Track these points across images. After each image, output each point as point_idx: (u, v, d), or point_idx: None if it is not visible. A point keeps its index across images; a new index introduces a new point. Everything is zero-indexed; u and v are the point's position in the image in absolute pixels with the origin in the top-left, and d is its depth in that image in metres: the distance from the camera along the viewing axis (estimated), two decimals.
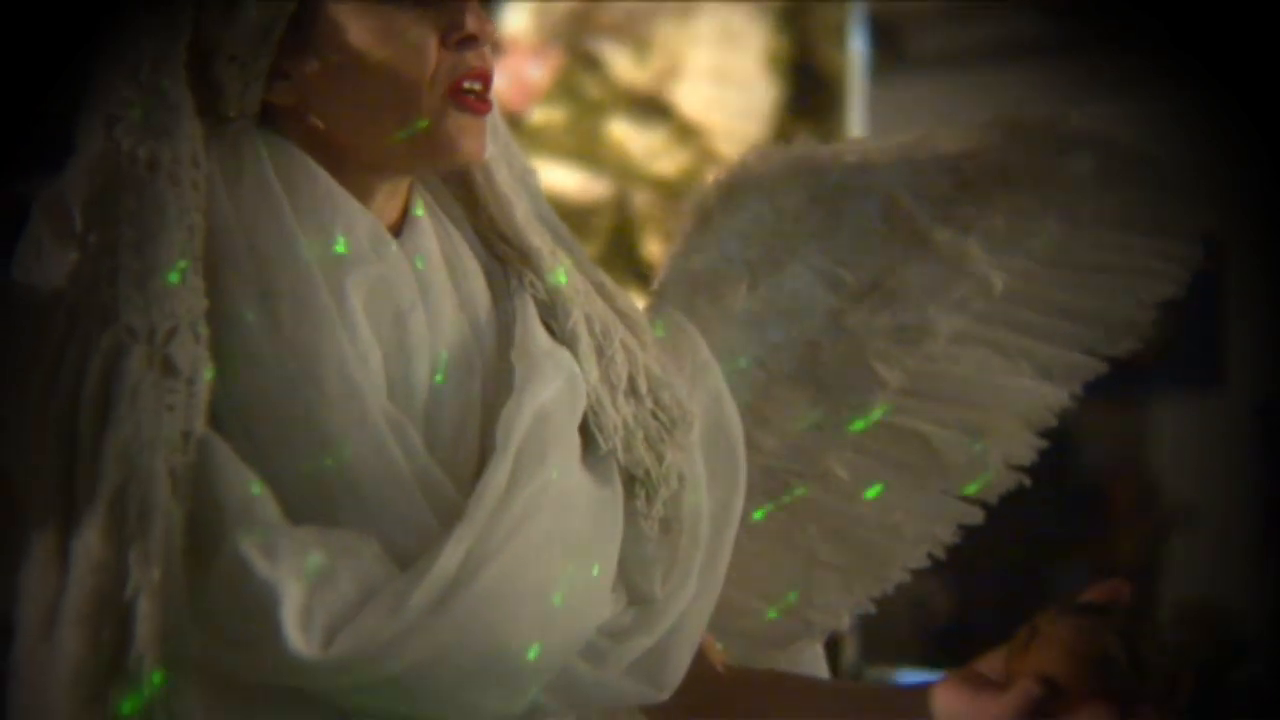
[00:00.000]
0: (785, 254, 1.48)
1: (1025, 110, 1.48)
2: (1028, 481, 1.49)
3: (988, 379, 1.52)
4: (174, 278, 1.21)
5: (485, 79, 1.28)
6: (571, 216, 3.51)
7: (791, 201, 1.48)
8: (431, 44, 1.26)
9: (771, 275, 1.48)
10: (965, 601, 4.26)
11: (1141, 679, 1.25)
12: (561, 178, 3.63)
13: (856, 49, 3.95)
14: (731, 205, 1.48)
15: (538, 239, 1.35)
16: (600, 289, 1.38)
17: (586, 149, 3.61)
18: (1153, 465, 5.12)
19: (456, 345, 1.29)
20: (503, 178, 1.37)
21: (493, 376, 1.29)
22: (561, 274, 1.34)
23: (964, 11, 6.60)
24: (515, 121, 3.63)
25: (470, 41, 1.26)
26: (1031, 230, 1.50)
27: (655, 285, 1.48)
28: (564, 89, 3.62)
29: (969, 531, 1.53)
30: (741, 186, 1.47)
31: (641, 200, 3.64)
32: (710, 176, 1.49)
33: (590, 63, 3.66)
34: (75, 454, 1.17)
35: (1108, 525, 4.84)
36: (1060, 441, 1.56)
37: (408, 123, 1.26)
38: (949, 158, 1.47)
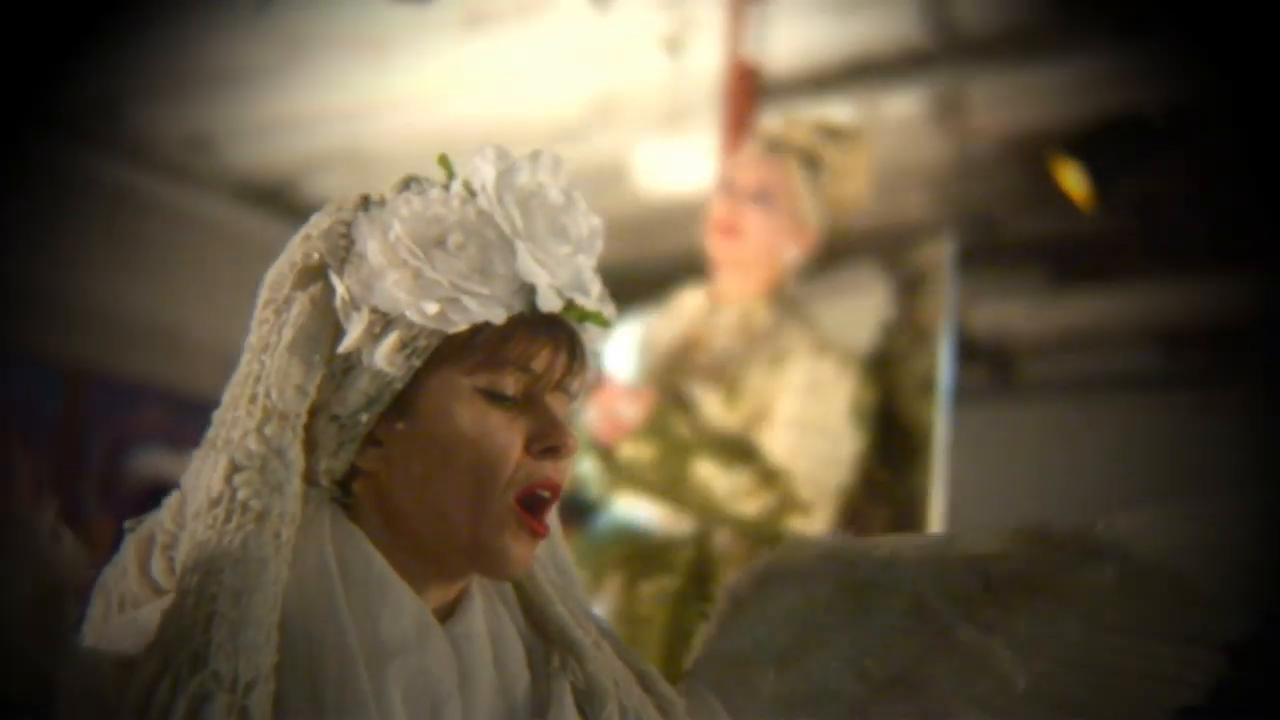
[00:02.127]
0: (814, 642, 1.53)
1: (1056, 519, 1.53)
2: None
3: None
4: (264, 633, 1.27)
5: (556, 490, 1.37)
6: (653, 551, 3.56)
7: (822, 592, 1.53)
8: (518, 446, 1.36)
9: (800, 662, 1.53)
10: None
11: None
12: (646, 513, 3.66)
13: (943, 401, 3.98)
14: (765, 593, 1.53)
15: (580, 631, 1.42)
16: (642, 678, 1.44)
17: (672, 486, 3.63)
18: None
19: None
20: (544, 575, 1.44)
21: None
22: (603, 671, 1.40)
23: (1079, 341, 6.67)
24: (605, 455, 3.69)
25: (552, 453, 1.36)
26: (1054, 634, 1.53)
27: (689, 664, 1.53)
28: (654, 427, 3.66)
29: None
30: (775, 575, 1.53)
31: (722, 540, 3.67)
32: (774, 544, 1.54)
33: (681, 404, 3.71)
34: None
35: None
36: None
37: (476, 518, 1.34)
38: (976, 560, 1.52)
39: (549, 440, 1.37)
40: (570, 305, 1.38)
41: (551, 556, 1.48)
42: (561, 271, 1.36)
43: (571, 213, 1.38)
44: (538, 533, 1.37)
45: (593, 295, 1.39)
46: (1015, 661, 1.53)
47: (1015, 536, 1.53)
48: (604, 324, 1.41)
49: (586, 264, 1.39)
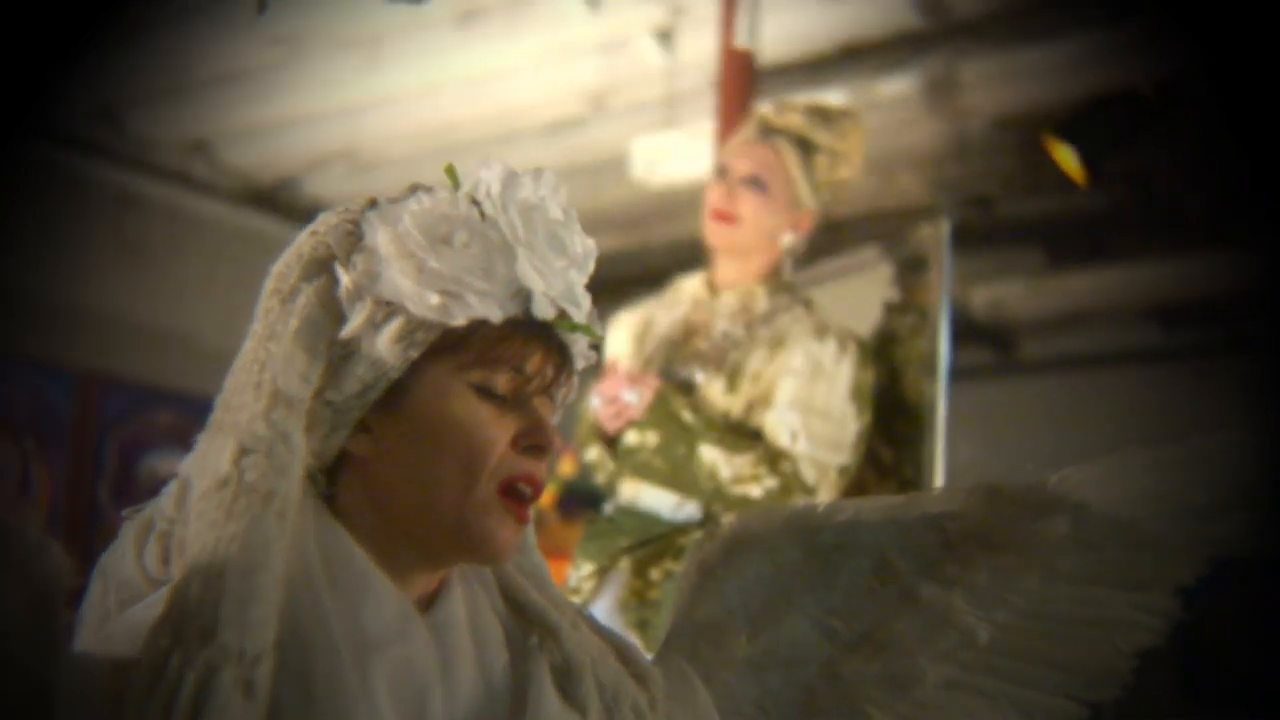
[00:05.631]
0: (783, 606, 1.57)
1: (1011, 476, 1.57)
2: None
3: None
4: (269, 610, 1.31)
5: (537, 486, 1.42)
6: (660, 536, 3.57)
7: (789, 556, 1.57)
8: (504, 440, 1.41)
9: (771, 625, 1.57)
10: None
11: None
12: (652, 498, 3.67)
13: (942, 381, 3.99)
14: (733, 561, 1.58)
15: (557, 612, 1.46)
16: (620, 652, 1.48)
17: (677, 471, 3.64)
18: None
19: (472, 714, 1.38)
20: (516, 568, 1.49)
21: None
22: (579, 648, 1.45)
23: (1077, 318, 6.69)
24: (610, 442, 3.71)
25: (537, 450, 1.42)
26: (1012, 586, 1.58)
27: (663, 634, 1.57)
28: (658, 413, 3.67)
29: None
30: (742, 543, 1.58)
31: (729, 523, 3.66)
32: (721, 529, 1.59)
33: (684, 389, 3.71)
34: None
35: None
36: None
37: (461, 502, 1.38)
38: (934, 518, 1.56)
39: (535, 438, 1.42)
40: (562, 315, 1.43)
41: (523, 555, 1.52)
42: (557, 282, 1.42)
43: (569, 230, 1.45)
44: (521, 518, 1.42)
45: (583, 310, 1.45)
46: (976, 615, 1.57)
47: (971, 494, 1.57)
48: (594, 337, 1.46)
49: (579, 280, 1.46)
